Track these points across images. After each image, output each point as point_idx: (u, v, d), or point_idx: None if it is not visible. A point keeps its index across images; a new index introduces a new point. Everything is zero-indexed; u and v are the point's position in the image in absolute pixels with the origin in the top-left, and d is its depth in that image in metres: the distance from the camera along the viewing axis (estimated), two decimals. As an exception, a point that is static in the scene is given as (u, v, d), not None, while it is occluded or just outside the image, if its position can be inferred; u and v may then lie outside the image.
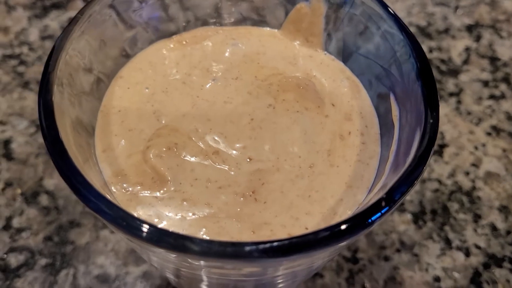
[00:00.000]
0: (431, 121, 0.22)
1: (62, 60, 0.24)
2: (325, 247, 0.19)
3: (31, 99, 0.47)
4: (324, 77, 0.30)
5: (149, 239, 0.18)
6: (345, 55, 0.30)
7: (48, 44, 0.50)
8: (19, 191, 0.41)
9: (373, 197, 0.22)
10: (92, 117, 0.27)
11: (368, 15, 0.27)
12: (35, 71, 0.49)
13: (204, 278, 0.24)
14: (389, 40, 0.26)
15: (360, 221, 0.19)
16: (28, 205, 0.41)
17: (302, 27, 0.30)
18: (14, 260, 0.38)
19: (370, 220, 0.20)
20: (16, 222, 0.40)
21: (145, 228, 0.19)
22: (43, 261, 0.38)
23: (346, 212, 0.24)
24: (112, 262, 0.38)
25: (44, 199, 0.41)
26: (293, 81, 0.28)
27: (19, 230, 0.39)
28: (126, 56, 0.30)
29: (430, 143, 0.21)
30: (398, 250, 0.39)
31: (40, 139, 0.44)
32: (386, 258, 0.38)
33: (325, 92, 0.29)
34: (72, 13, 0.53)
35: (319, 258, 0.22)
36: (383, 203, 0.20)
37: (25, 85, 0.47)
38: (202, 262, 0.20)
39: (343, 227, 0.19)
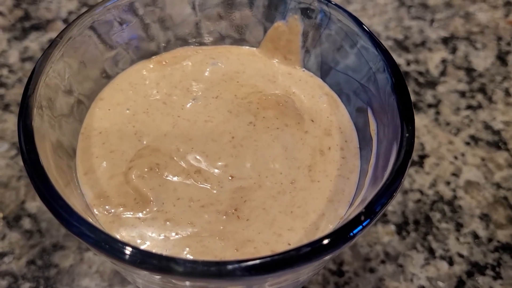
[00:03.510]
0: (407, 134, 0.22)
1: (41, 84, 0.24)
2: (308, 263, 0.19)
3: (11, 122, 0.46)
4: (303, 93, 0.30)
5: (132, 261, 0.19)
6: (323, 71, 0.31)
7: (28, 66, 0.50)
8: (0, 215, 0.41)
9: (354, 211, 0.23)
10: (73, 139, 0.28)
11: (344, 32, 0.28)
12: (15, 93, 0.48)
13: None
14: (365, 56, 0.27)
15: (341, 235, 0.20)
16: (10, 229, 0.40)
17: (280, 45, 0.31)
18: (-4, 285, 0.37)
19: (351, 234, 0.20)
20: (-2, 247, 0.39)
21: (128, 250, 0.19)
22: (26, 286, 0.37)
23: (328, 226, 0.25)
24: (97, 284, 0.38)
25: (26, 223, 0.40)
26: (273, 99, 0.29)
27: (1, 255, 0.39)
28: (107, 78, 0.30)
29: (407, 156, 0.21)
30: (383, 262, 0.39)
31: (21, 162, 0.43)
32: (372, 270, 0.39)
33: (305, 109, 0.29)
34: (52, 35, 0.53)
35: (304, 273, 0.22)
36: (363, 217, 0.20)
37: (5, 107, 0.47)
38: (186, 282, 0.20)
39: (325, 242, 0.19)
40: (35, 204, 0.41)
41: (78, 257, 0.39)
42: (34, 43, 0.52)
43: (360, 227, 0.20)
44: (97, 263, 0.38)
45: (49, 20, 0.55)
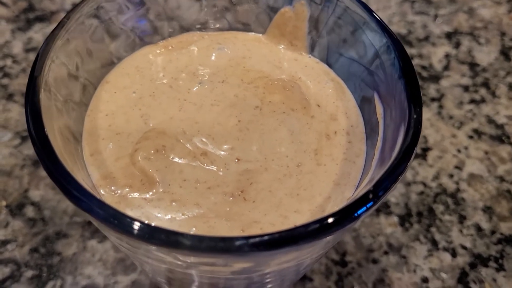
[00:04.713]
0: (415, 116, 0.22)
1: (48, 65, 0.24)
2: (314, 240, 0.19)
3: (15, 111, 0.46)
4: (309, 79, 0.30)
5: (140, 236, 0.18)
6: (330, 57, 0.31)
7: (32, 57, 0.50)
8: (4, 203, 0.41)
9: (360, 193, 0.23)
10: (79, 122, 0.28)
11: (351, 18, 0.28)
12: (19, 83, 0.48)
13: (196, 278, 0.24)
14: (373, 42, 0.27)
15: (347, 213, 0.20)
16: (13, 217, 0.40)
17: (286, 31, 0.31)
18: (-1, 272, 0.37)
19: (356, 214, 0.20)
20: (1, 235, 0.39)
21: (137, 225, 0.19)
22: (29, 273, 0.37)
23: (334, 208, 0.24)
24: (100, 272, 0.38)
25: (29, 211, 0.40)
26: (279, 84, 0.29)
27: (4, 242, 0.39)
28: (112, 62, 0.30)
29: (415, 137, 0.21)
30: (386, 253, 0.39)
31: (25, 150, 0.44)
32: (375, 261, 0.39)
33: (311, 94, 0.29)
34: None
35: (308, 253, 0.22)
36: (371, 196, 0.20)
37: (9, 97, 0.47)
38: (193, 259, 0.20)
39: (330, 220, 0.19)
40: (38, 193, 0.41)
41: (81, 245, 0.39)
42: (38, 34, 0.53)
43: (366, 206, 0.20)
44: (100, 252, 0.38)
45: (53, 12, 0.55)
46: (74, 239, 0.39)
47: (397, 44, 0.25)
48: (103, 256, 0.38)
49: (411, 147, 0.21)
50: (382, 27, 0.26)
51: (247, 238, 0.18)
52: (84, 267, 0.38)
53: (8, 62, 0.50)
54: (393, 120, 0.25)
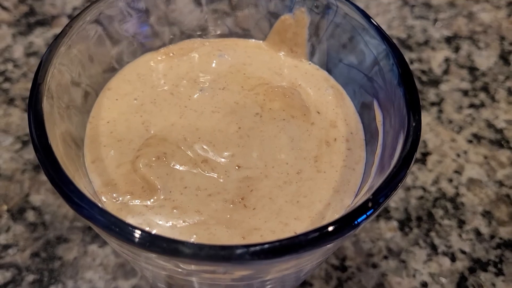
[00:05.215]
0: (414, 124, 0.22)
1: (50, 72, 0.24)
2: (314, 248, 0.19)
3: (16, 116, 0.46)
4: (309, 86, 0.30)
5: (141, 244, 0.19)
6: (329, 64, 0.31)
7: (33, 61, 0.51)
8: (5, 207, 0.41)
9: (360, 199, 0.23)
10: (81, 129, 0.28)
11: (351, 25, 0.28)
12: (20, 88, 0.48)
13: (196, 285, 0.25)
14: (372, 49, 0.27)
15: (347, 221, 0.20)
16: (14, 221, 0.40)
17: (286, 38, 0.31)
18: (0, 277, 0.37)
19: (356, 222, 0.20)
20: (2, 239, 0.39)
21: (137, 233, 0.19)
22: (30, 278, 0.38)
23: (334, 216, 0.25)
24: (101, 277, 0.38)
25: (30, 215, 0.40)
26: (279, 90, 0.29)
27: (6, 247, 0.39)
28: (114, 69, 0.30)
29: (414, 145, 0.22)
30: (385, 257, 0.39)
31: (26, 155, 0.44)
32: (374, 265, 0.39)
33: (311, 101, 0.29)
34: (57, 30, 0.54)
35: (308, 260, 0.22)
36: (370, 204, 0.20)
37: (10, 101, 0.47)
38: (194, 267, 0.20)
39: (330, 228, 0.19)
40: (39, 197, 0.41)
41: (82, 250, 0.39)
42: (39, 38, 0.53)
43: (367, 214, 0.20)
44: (101, 256, 0.38)
45: (54, 16, 0.55)
46: (75, 243, 0.39)
47: (395, 51, 0.26)
48: (103, 261, 0.38)
49: (411, 154, 0.21)
50: (381, 34, 0.26)
51: (248, 246, 0.19)
52: (85, 271, 0.38)
53: (9, 66, 0.50)
54: (392, 127, 0.25)
